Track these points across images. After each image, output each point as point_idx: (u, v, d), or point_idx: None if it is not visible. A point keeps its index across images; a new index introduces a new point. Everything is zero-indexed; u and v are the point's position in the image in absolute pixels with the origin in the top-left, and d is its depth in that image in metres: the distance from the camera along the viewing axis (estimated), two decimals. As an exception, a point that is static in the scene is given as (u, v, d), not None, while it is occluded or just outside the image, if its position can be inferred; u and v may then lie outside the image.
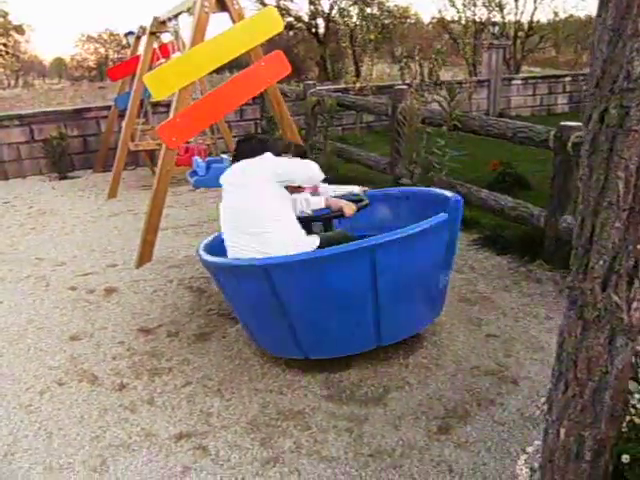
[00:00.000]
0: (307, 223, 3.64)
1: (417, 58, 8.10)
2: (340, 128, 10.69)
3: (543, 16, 17.13)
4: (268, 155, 3.46)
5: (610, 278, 1.47)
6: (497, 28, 16.20)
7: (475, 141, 6.65)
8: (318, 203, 3.67)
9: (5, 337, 4.04)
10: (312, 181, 3.61)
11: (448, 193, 3.80)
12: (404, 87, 6.60)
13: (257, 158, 3.44)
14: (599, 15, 1.39)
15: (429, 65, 8.02)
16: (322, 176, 3.58)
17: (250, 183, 3.35)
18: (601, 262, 1.48)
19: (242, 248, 3.32)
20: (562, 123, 4.47)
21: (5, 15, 18.78)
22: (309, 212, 3.63)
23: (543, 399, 1.92)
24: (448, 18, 17.20)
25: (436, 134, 5.82)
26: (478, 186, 5.69)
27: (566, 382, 1.63)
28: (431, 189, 4.31)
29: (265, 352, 3.62)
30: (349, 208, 3.63)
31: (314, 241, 3.38)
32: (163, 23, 7.13)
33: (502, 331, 3.81)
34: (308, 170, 3.49)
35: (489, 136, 5.39)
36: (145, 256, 5.17)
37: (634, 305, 1.48)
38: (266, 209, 3.29)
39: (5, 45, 20.01)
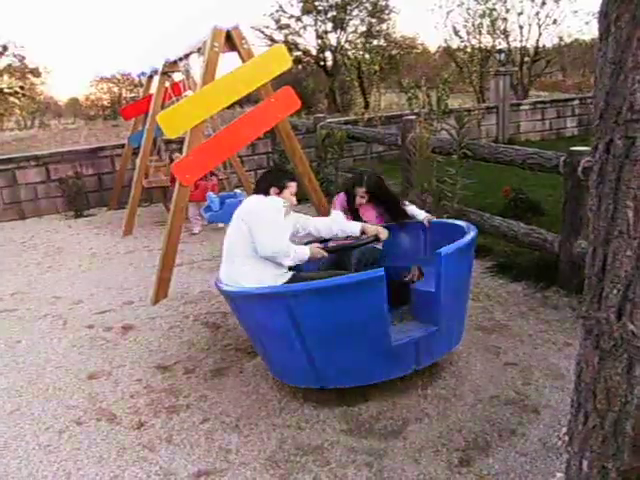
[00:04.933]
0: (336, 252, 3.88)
1: (424, 88, 8.15)
2: (351, 159, 10.77)
3: (548, 41, 17.18)
4: (265, 198, 3.61)
5: (625, 307, 1.47)
6: (503, 55, 16.36)
7: (486, 168, 6.67)
8: (354, 229, 3.79)
9: (24, 376, 4.07)
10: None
11: (462, 223, 3.88)
12: (412, 117, 6.66)
13: (260, 196, 3.66)
14: (600, 49, 1.41)
15: (437, 94, 8.08)
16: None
17: (236, 216, 3.61)
18: (615, 291, 1.48)
19: (227, 276, 3.57)
20: (572, 148, 4.49)
21: (22, 59, 19.28)
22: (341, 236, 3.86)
23: (564, 429, 1.90)
24: (454, 47, 17.38)
25: (446, 163, 5.85)
26: (490, 213, 5.69)
27: (586, 413, 1.62)
28: (446, 220, 4.37)
29: (282, 386, 3.60)
30: (384, 233, 3.76)
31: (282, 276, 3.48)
32: (174, 63, 7.28)
33: (520, 359, 3.78)
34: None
35: (499, 163, 5.41)
36: (161, 293, 5.20)
37: (651, 333, 1.47)
38: (237, 242, 3.52)
39: (22, 88, 20.49)
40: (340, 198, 4.41)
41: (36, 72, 21.11)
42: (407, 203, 4.41)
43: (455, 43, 17.14)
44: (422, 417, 3.22)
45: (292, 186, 3.75)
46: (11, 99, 20.81)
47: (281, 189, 3.68)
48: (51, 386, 3.92)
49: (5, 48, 18.48)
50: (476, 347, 3.96)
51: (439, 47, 20.40)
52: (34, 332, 4.82)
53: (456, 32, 16.80)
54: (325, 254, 3.68)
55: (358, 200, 4.28)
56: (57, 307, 5.35)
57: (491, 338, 4.09)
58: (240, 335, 4.27)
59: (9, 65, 19.25)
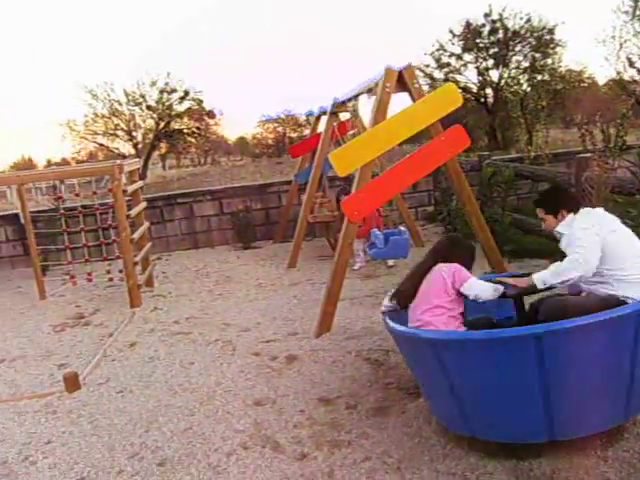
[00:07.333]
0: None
1: (599, 123, 7.67)
2: (515, 198, 10.36)
3: None
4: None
5: None
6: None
7: (671, 208, 6.09)
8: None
9: (196, 397, 4.33)
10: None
11: None
12: (588, 155, 6.27)
13: None
14: None
15: (609, 129, 7.55)
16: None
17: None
18: None
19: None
20: None
21: (200, 102, 21.17)
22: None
23: None
24: (626, 78, 16.31)
25: (626, 203, 5.42)
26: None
27: None
28: None
29: (446, 431, 3.47)
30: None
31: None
32: (343, 104, 7.55)
33: None
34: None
35: (692, 204, 4.91)
36: (324, 326, 5.30)
37: None
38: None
39: (198, 128, 22.49)
40: None
41: (211, 114, 23.06)
42: None
43: (627, 75, 16.10)
44: (602, 481, 2.94)
45: None
46: (189, 139, 22.92)
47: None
48: (220, 409, 4.12)
49: (187, 93, 20.43)
50: (665, 408, 3.56)
51: (609, 80, 19.20)
52: (206, 355, 5.13)
53: (631, 63, 15.77)
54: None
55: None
56: (227, 333, 5.66)
57: (683, 400, 3.65)
58: (402, 374, 4.21)
59: (189, 108, 21.20)
